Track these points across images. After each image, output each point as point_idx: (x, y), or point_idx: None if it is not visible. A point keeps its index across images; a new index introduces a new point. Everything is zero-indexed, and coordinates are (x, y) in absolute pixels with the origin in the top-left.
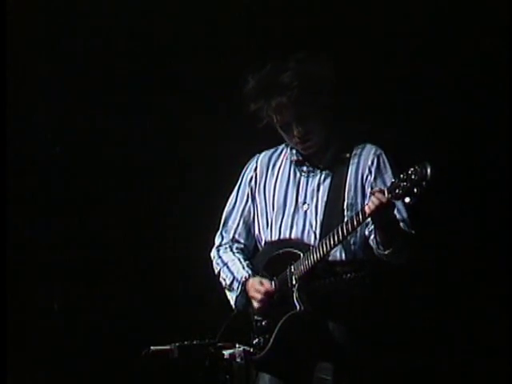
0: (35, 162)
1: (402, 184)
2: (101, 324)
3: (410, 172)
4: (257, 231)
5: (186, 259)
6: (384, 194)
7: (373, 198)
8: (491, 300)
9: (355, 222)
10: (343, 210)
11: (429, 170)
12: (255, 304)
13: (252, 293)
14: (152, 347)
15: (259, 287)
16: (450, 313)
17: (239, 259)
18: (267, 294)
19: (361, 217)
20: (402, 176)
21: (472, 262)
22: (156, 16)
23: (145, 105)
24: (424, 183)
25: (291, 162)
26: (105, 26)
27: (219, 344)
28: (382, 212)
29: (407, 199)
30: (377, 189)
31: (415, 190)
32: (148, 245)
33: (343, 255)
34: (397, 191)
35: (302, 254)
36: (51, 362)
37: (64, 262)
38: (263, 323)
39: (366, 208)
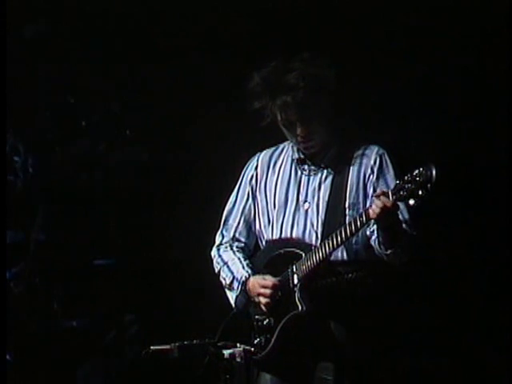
0: (35, 162)
1: (406, 186)
2: (101, 324)
3: (414, 174)
4: (258, 229)
5: (187, 259)
6: (388, 197)
7: (377, 201)
8: (492, 300)
9: (358, 224)
10: (345, 209)
11: (434, 172)
12: (263, 300)
13: (258, 290)
14: (152, 347)
15: (265, 282)
16: (451, 313)
17: (239, 258)
18: (274, 287)
19: (364, 218)
20: (406, 178)
21: (473, 263)
22: (157, 14)
23: (145, 105)
24: (429, 185)
25: (292, 160)
26: (105, 25)
27: (219, 344)
28: (387, 214)
29: (411, 201)
30: (380, 191)
31: (420, 192)
32: (149, 245)
33: (345, 255)
34: (401, 193)
35: (303, 254)
36: (51, 362)
37: (64, 262)
38: (264, 323)
39: (371, 211)
